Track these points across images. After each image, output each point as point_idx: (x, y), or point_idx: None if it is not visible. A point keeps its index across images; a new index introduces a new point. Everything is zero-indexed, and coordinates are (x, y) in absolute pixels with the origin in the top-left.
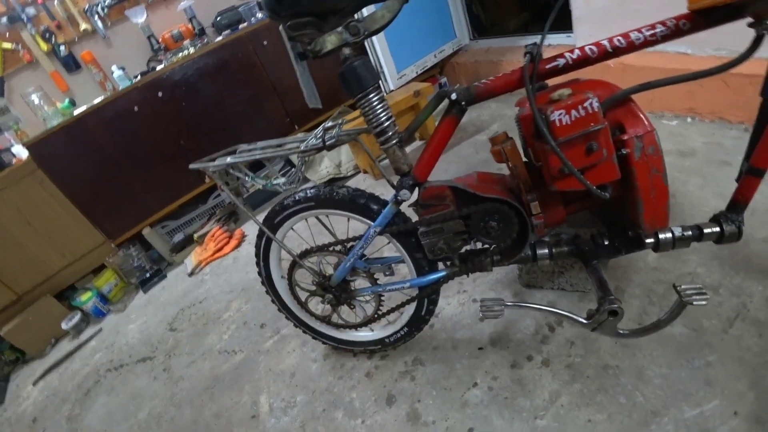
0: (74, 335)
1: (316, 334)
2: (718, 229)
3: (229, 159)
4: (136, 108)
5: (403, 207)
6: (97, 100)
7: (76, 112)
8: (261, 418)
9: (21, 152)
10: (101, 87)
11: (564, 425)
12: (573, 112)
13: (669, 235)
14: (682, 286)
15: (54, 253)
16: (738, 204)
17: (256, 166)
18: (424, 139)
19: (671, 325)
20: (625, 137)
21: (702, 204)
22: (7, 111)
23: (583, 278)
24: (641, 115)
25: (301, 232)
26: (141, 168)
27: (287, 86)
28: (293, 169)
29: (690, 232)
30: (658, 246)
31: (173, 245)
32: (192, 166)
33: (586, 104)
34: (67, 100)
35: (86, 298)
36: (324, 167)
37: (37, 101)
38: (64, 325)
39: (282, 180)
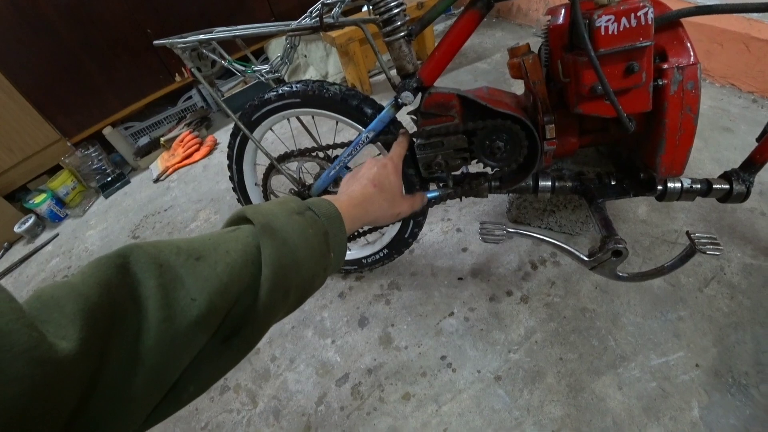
0: (29, 239)
1: None
2: (727, 186)
3: (202, 36)
4: None
5: (400, 115)
6: None
7: None
8: None
9: None
10: None
11: (536, 360)
12: (623, 20)
13: (678, 184)
14: (696, 234)
15: (0, 149)
16: (754, 163)
17: None
18: (421, 60)
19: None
20: (665, 66)
21: (697, 167)
22: None
23: (572, 220)
24: (688, 44)
25: (282, 136)
26: (101, 59)
27: None
28: (277, 57)
29: (699, 186)
30: (665, 194)
31: (137, 149)
32: (158, 42)
33: (640, 13)
34: None
35: (40, 201)
36: (309, 76)
37: None
38: (16, 229)
39: (265, 67)
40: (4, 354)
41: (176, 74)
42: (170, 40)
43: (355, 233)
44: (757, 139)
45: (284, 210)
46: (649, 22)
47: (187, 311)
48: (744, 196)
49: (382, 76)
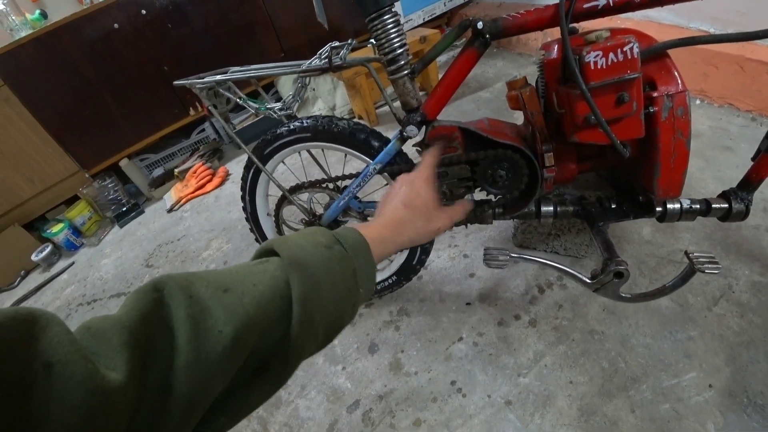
0: (45, 268)
1: None
2: (726, 205)
3: (219, 77)
4: (116, 25)
5: (406, 147)
6: (72, 13)
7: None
8: None
9: None
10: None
11: (546, 384)
12: (611, 55)
13: (677, 205)
14: (695, 253)
15: (22, 180)
16: (750, 182)
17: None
18: (425, 90)
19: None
20: (655, 94)
21: (700, 186)
22: None
23: (577, 243)
24: (675, 73)
25: (292, 167)
26: (120, 93)
27: (284, 21)
28: (289, 95)
29: (698, 206)
30: (664, 216)
31: (152, 179)
32: (177, 82)
33: (626, 48)
34: (38, 12)
35: (57, 230)
36: (317, 109)
37: (2, 7)
38: (34, 257)
39: (277, 105)
40: (65, 383)
41: (190, 108)
42: (189, 81)
43: None
44: (753, 159)
45: (311, 243)
46: (635, 56)
47: (215, 343)
48: (744, 215)
49: (388, 107)
